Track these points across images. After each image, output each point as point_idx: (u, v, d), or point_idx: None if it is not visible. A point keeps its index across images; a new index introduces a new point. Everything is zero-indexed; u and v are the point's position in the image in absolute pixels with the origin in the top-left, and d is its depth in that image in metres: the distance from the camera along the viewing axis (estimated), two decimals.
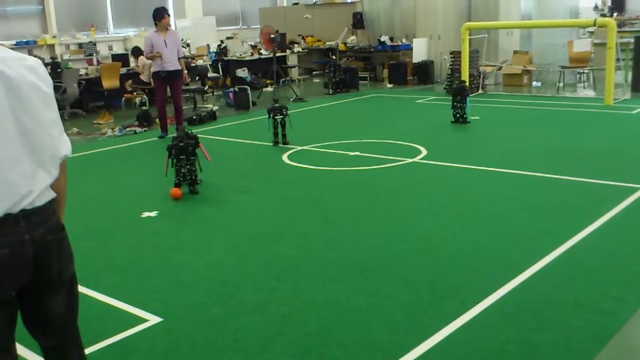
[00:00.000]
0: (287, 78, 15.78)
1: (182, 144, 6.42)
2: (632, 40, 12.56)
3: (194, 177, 6.57)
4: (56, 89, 11.35)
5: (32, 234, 2.12)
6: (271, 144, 8.64)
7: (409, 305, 3.83)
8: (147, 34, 9.84)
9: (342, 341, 3.44)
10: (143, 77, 12.49)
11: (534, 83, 13.77)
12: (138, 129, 10.49)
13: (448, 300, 3.87)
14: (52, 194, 2.22)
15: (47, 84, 2.21)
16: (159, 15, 9.39)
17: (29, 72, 2.14)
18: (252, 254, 4.84)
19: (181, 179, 6.46)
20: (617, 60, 11.43)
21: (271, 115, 8.51)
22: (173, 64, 9.45)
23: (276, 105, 8.55)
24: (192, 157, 6.53)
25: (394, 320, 3.65)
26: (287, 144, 8.57)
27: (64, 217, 2.36)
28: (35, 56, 2.96)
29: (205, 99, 13.62)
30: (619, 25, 12.94)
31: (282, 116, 8.48)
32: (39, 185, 2.14)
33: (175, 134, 6.90)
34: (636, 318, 3.56)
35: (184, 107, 10.33)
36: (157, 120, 10.02)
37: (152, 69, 9.66)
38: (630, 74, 12.45)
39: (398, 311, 3.75)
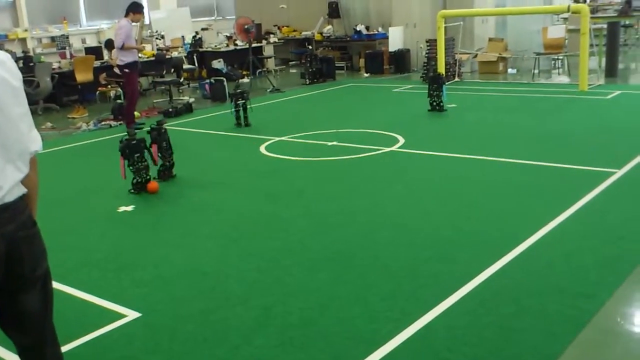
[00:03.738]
0: (264, 69, 15.69)
1: (134, 142, 6.32)
2: (605, 26, 12.66)
3: (171, 167, 6.70)
4: (29, 83, 11.30)
5: (2, 230, 2.08)
6: (249, 135, 8.84)
7: (390, 293, 3.83)
8: (124, 22, 9.36)
9: (325, 331, 3.43)
10: (117, 70, 12.31)
11: (509, 70, 13.85)
12: (113, 123, 10.37)
13: (428, 287, 3.88)
14: (22, 190, 2.18)
15: (16, 78, 2.16)
16: (139, 10, 9.41)
17: None
18: (232, 246, 4.80)
19: (144, 176, 6.33)
20: (591, 46, 11.52)
21: (233, 100, 9.41)
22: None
23: (238, 91, 9.50)
24: (165, 148, 6.71)
25: (376, 309, 3.65)
26: (248, 125, 9.38)
27: (36, 213, 2.31)
28: (6, 50, 2.90)
29: (181, 91, 13.48)
30: (592, 11, 13.00)
31: (243, 100, 9.34)
32: (9, 181, 2.10)
33: (125, 133, 6.82)
34: (614, 301, 3.60)
35: (158, 100, 10.26)
36: (127, 113, 9.77)
37: (128, 60, 9.45)
38: (604, 60, 12.56)
39: (379, 300, 3.75)
